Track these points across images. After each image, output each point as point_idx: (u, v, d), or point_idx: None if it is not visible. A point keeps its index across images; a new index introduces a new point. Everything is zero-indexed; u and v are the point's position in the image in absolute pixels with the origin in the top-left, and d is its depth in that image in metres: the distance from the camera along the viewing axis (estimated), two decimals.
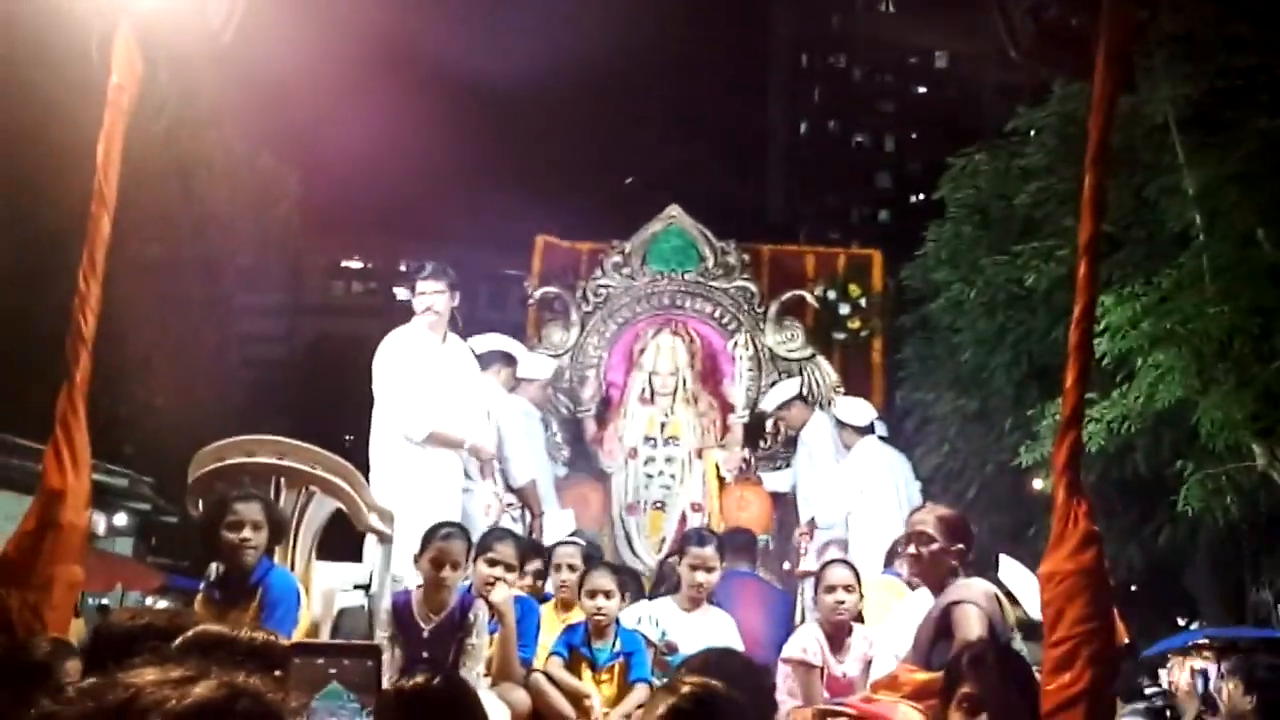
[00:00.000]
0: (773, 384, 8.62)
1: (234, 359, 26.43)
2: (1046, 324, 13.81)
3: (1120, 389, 11.73)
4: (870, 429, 8.11)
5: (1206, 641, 14.23)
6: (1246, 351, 11.14)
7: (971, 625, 4.28)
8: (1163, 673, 14.32)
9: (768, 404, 8.40)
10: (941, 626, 4.39)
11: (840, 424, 8.12)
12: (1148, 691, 10.76)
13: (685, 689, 2.26)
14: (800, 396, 8.37)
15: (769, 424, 8.56)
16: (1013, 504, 16.09)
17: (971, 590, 4.47)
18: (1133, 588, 19.78)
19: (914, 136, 53.80)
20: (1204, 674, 13.34)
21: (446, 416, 6.55)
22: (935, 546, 4.63)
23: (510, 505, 7.14)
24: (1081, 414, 3.94)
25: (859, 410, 8.14)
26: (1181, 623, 20.48)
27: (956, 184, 15.29)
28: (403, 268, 51.85)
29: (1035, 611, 4.55)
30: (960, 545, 4.65)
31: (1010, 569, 5.94)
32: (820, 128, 57.35)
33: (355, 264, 53.17)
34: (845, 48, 57.42)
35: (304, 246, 33.06)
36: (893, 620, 5.18)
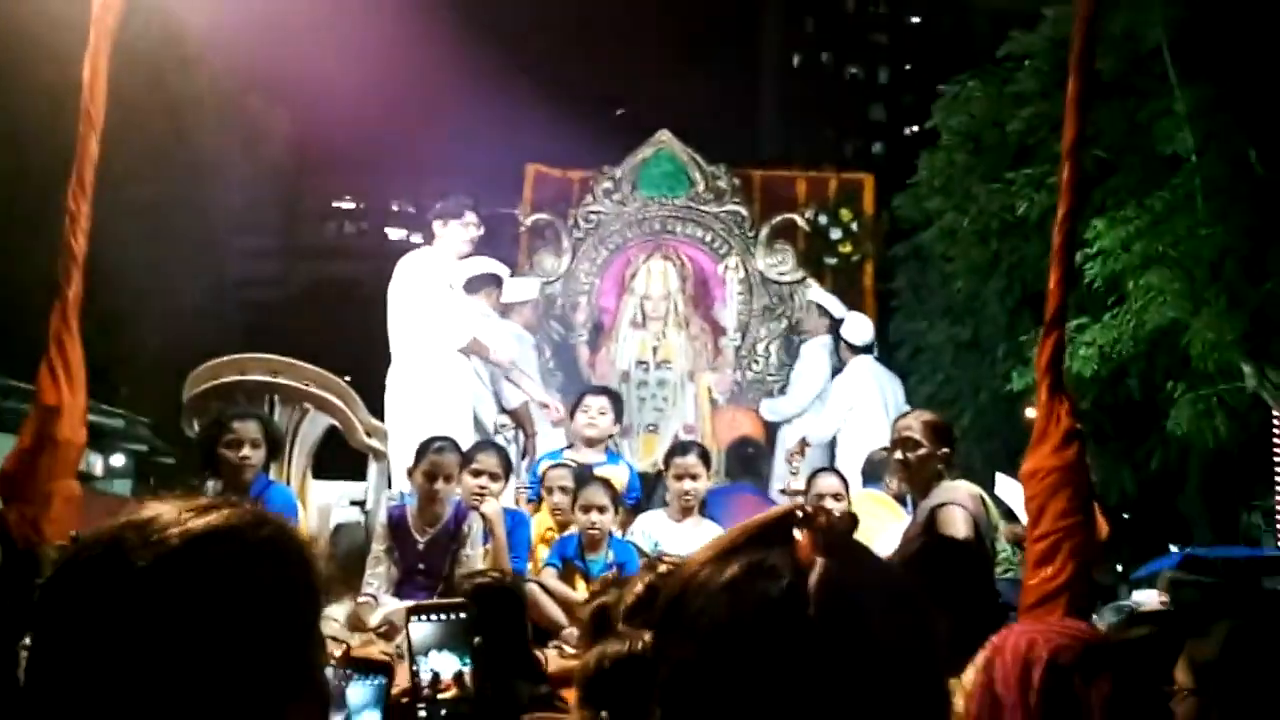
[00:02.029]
0: (764, 307, 8.75)
1: (229, 301, 26.39)
2: (1039, 251, 13.74)
3: (1112, 312, 11.77)
4: (868, 349, 8.25)
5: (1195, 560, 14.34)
6: (1237, 273, 11.17)
7: (957, 526, 4.36)
8: (1153, 592, 14.45)
9: (814, 295, 8.50)
10: (928, 529, 4.45)
11: (841, 340, 8.25)
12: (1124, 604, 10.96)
13: (661, 567, 2.30)
14: (833, 317, 8.41)
15: (762, 331, 8.62)
16: (1007, 431, 16.18)
17: (956, 493, 4.56)
18: (1125, 515, 19.96)
19: (908, 68, 53.35)
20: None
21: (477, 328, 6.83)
22: (922, 451, 4.71)
23: (504, 426, 7.22)
24: (1064, 316, 4.04)
25: (861, 329, 8.25)
26: (1174, 549, 20.65)
27: (949, 111, 15.19)
28: (394, 208, 51.68)
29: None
30: (945, 449, 4.73)
31: (1006, 485, 6.05)
32: (813, 60, 56.89)
33: (348, 205, 52.93)
34: None
35: (296, 188, 32.88)
36: (885, 534, 5.27)
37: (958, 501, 4.49)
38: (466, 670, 1.61)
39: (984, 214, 14.56)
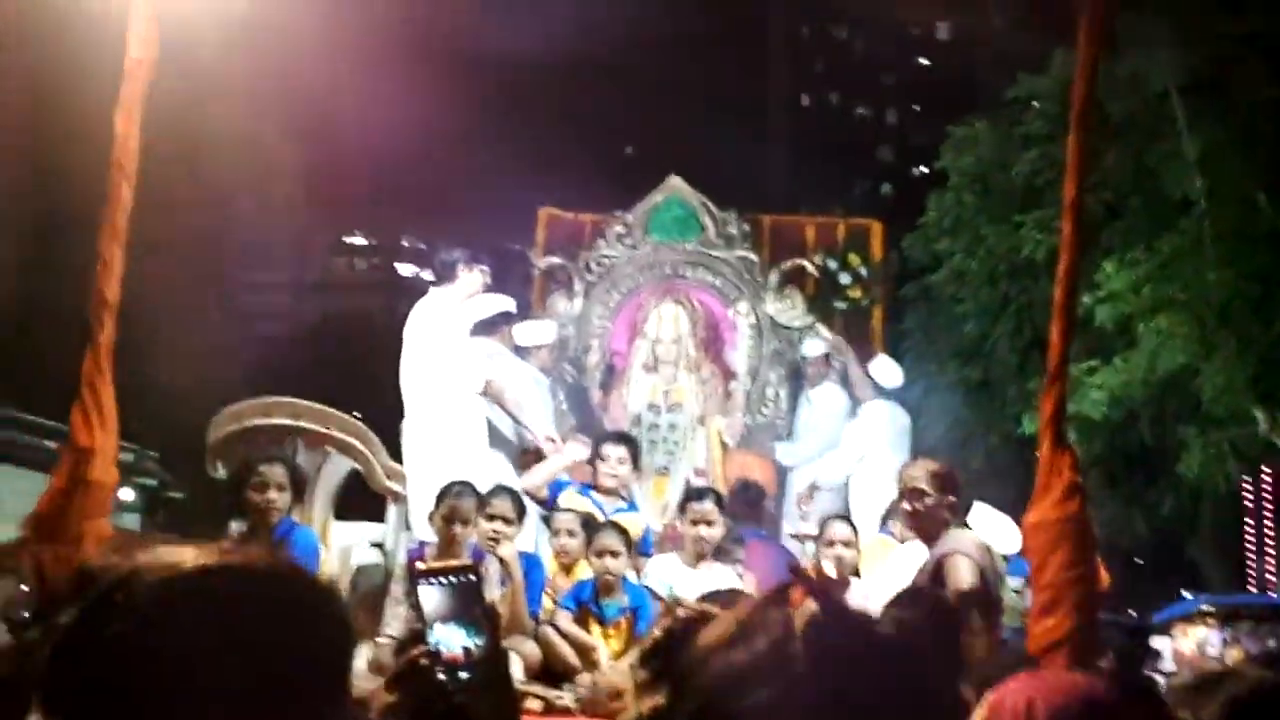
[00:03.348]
0: (774, 351, 8.83)
1: (238, 335, 26.48)
2: (1049, 293, 13.74)
3: (1122, 356, 11.78)
4: (890, 394, 8.33)
5: (1210, 609, 14.26)
6: (1248, 317, 11.18)
7: (963, 575, 4.47)
8: (1167, 640, 14.38)
9: (809, 349, 8.56)
10: (935, 577, 4.54)
11: (866, 379, 8.30)
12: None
13: (679, 610, 2.30)
14: (827, 356, 8.52)
15: (772, 375, 8.72)
16: (1018, 474, 16.08)
17: (963, 542, 4.65)
18: (1137, 559, 19.80)
19: (916, 109, 53.64)
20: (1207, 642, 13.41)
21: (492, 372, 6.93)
22: (929, 501, 4.78)
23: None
24: (1066, 369, 4.13)
25: (890, 373, 8.35)
26: (1187, 595, 20.52)
27: (957, 152, 15.27)
28: (405, 244, 51.88)
29: (1002, 548, 5.13)
30: (952, 497, 4.80)
31: (980, 512, 6.13)
32: (822, 100, 57.20)
33: (358, 240, 53.10)
34: (847, 19, 57.16)
35: (306, 223, 33.02)
36: (887, 569, 5.42)
37: (964, 551, 4.57)
38: (473, 645, 1.57)
39: (992, 255, 14.59)
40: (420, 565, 1.62)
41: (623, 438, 6.81)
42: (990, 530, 5.74)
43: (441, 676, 1.53)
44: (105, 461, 4.21)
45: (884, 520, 6.67)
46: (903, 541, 5.98)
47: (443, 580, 1.57)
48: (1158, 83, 11.76)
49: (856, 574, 5.62)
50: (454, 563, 1.63)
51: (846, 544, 5.58)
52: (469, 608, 1.56)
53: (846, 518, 6.13)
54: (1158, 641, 12.47)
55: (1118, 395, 11.74)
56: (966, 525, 4.94)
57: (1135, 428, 13.80)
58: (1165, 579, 20.05)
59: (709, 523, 5.73)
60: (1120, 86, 12.06)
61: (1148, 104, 12.14)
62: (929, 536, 4.81)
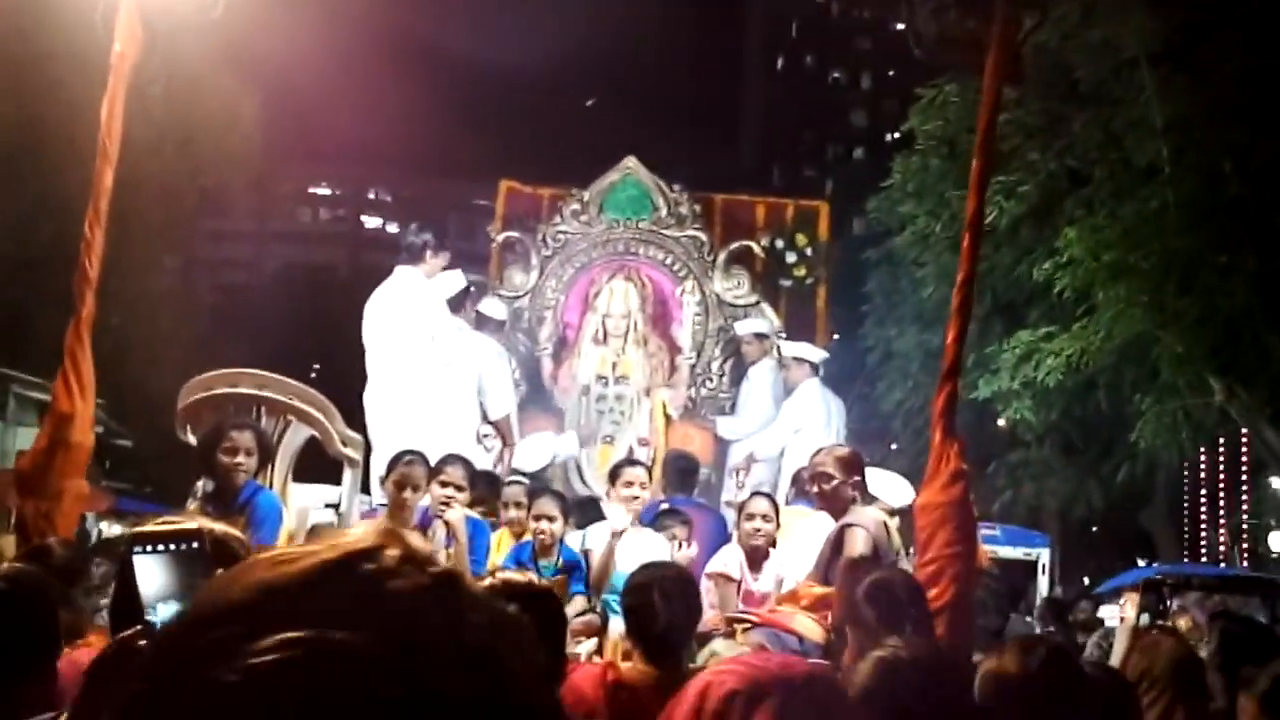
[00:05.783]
0: (719, 328, 9.11)
1: (197, 283, 26.17)
2: (1010, 260, 13.73)
3: (1080, 322, 11.71)
4: (818, 369, 8.63)
5: (1160, 579, 14.27)
6: (1210, 286, 11.09)
7: (856, 544, 5.05)
8: (1115, 607, 14.43)
9: (742, 328, 8.87)
10: (836, 546, 5.17)
11: (796, 360, 8.57)
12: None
13: None
14: (766, 335, 8.81)
15: (717, 350, 9.05)
16: (975, 440, 16.08)
17: (862, 516, 5.26)
18: (1093, 528, 19.89)
19: (891, 74, 53.44)
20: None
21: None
22: (835, 482, 5.38)
23: (486, 435, 7.82)
24: (959, 367, 4.77)
25: (814, 349, 8.71)
26: (1142, 563, 20.68)
27: (925, 115, 15.09)
28: (371, 196, 51.45)
29: (893, 502, 6.21)
30: (856, 478, 5.43)
31: (874, 474, 6.64)
32: (797, 64, 56.93)
33: (324, 191, 52.64)
34: None
35: (270, 172, 32.61)
36: (797, 538, 6.11)
37: (861, 524, 5.15)
38: None
39: (956, 220, 14.44)
40: (136, 530, 1.39)
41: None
42: (883, 487, 6.46)
43: None
44: (83, 425, 4.62)
45: (795, 491, 7.11)
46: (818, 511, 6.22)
47: (161, 549, 1.36)
48: (1128, 49, 11.60)
49: (774, 545, 5.98)
50: (174, 527, 1.40)
51: (765, 518, 5.89)
52: (192, 581, 1.35)
53: (767, 494, 6.52)
54: (1105, 610, 12.50)
55: (1075, 362, 11.69)
56: (874, 500, 5.59)
57: (1093, 396, 13.78)
58: (1119, 548, 20.17)
59: (638, 486, 6.01)
60: (1091, 53, 11.92)
61: (1117, 71, 12.00)
62: (836, 513, 5.37)
